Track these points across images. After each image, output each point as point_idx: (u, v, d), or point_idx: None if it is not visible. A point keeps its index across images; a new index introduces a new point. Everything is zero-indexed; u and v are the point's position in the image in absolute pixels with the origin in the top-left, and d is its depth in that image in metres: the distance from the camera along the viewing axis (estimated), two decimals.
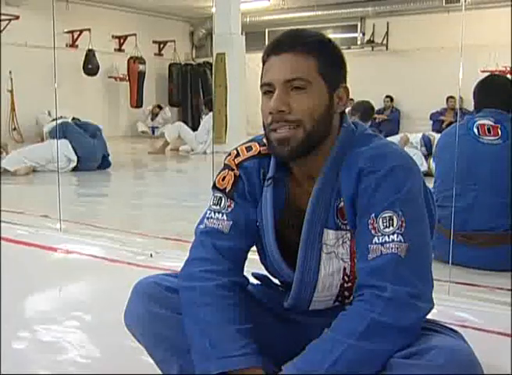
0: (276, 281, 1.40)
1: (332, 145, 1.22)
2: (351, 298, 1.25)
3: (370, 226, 1.14)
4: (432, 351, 1.04)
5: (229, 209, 1.28)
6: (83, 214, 3.85)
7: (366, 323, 1.06)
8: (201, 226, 1.30)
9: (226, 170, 1.31)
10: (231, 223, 1.27)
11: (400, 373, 1.03)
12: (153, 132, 11.24)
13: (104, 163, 6.20)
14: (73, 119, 6.38)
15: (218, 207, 1.29)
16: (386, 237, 1.12)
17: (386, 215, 1.13)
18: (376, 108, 10.73)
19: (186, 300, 1.23)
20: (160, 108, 11.48)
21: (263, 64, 1.24)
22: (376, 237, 1.13)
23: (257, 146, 1.31)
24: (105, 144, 6.28)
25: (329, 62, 1.21)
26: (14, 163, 5.71)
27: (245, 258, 1.31)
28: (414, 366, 1.02)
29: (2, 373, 1.60)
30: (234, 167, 1.30)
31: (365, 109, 4.69)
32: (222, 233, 1.26)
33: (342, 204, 1.21)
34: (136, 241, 2.98)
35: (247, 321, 1.20)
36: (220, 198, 1.29)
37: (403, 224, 1.12)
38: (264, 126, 1.24)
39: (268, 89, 1.21)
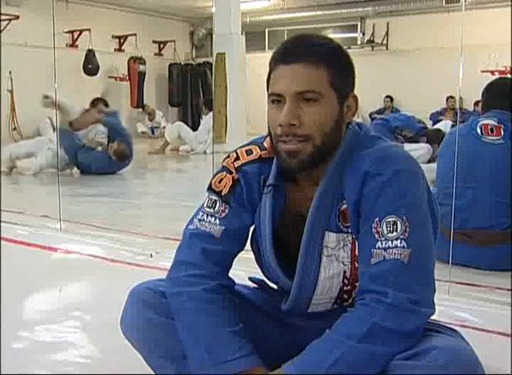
0: (273, 285, 1.39)
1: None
2: (350, 300, 1.25)
3: (373, 230, 1.12)
4: (432, 351, 1.03)
5: (223, 214, 1.25)
6: (83, 214, 3.85)
7: (367, 327, 1.06)
8: (191, 227, 1.27)
9: (224, 173, 1.28)
10: (223, 228, 1.24)
11: (401, 374, 1.03)
12: (153, 132, 11.22)
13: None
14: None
15: (211, 210, 1.26)
16: (390, 242, 1.11)
17: (390, 219, 1.12)
18: (376, 108, 10.85)
19: (175, 306, 1.21)
20: (143, 107, 11.27)
21: (270, 71, 1.19)
22: (379, 242, 1.11)
23: (258, 150, 1.28)
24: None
25: (340, 72, 1.17)
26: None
27: (232, 261, 1.29)
28: (414, 367, 1.02)
29: (2, 373, 1.60)
30: (233, 170, 1.27)
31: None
32: (212, 237, 1.24)
33: (344, 206, 1.19)
34: (136, 241, 2.99)
35: (240, 322, 1.19)
36: (215, 201, 1.27)
37: (407, 229, 1.11)
38: (270, 135, 1.21)
39: (276, 99, 1.17)
